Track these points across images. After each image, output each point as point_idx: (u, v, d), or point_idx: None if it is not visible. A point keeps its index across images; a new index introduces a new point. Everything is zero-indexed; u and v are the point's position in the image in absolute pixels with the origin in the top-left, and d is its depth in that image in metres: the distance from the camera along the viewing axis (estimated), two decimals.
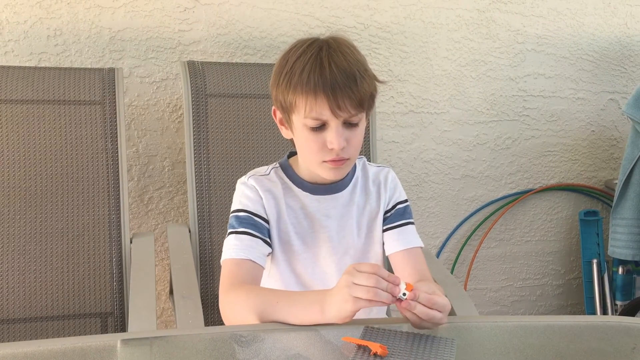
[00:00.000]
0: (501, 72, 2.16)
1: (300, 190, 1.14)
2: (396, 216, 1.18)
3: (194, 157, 1.63)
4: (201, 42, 1.85)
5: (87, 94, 1.59)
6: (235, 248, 1.08)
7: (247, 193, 1.13)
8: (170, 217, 1.91)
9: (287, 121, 1.09)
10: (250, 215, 1.11)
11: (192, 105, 1.65)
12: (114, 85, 1.61)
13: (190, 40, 1.84)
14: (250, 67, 1.79)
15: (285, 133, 1.13)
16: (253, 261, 1.07)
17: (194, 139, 1.64)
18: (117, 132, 1.58)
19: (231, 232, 1.10)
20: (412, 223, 1.19)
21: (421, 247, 1.18)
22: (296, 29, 1.92)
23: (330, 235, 1.15)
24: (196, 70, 1.69)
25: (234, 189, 1.17)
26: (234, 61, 1.88)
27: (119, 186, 1.56)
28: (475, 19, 2.09)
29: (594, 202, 2.35)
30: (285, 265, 1.14)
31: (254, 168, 1.20)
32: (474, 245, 2.25)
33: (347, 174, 1.16)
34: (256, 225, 1.10)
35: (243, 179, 1.15)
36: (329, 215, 1.15)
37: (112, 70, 1.65)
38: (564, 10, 2.17)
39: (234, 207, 1.13)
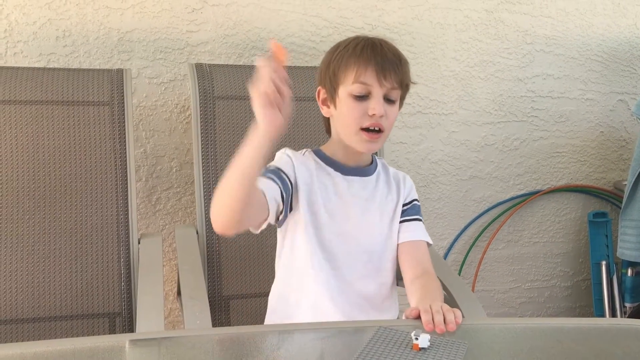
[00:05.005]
0: (510, 73, 2.15)
1: (332, 169, 1.22)
2: (411, 211, 1.27)
3: (202, 158, 1.63)
4: (209, 43, 1.85)
5: (95, 94, 1.59)
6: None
7: (278, 157, 1.22)
8: (178, 218, 1.91)
9: (332, 97, 1.19)
10: (279, 170, 1.17)
11: (200, 107, 1.65)
12: (122, 86, 1.62)
13: (198, 41, 1.85)
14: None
15: (326, 112, 1.22)
16: (264, 194, 1.10)
17: (201, 140, 1.64)
18: (125, 132, 1.58)
19: None
20: (422, 220, 1.28)
21: (428, 243, 1.26)
22: (304, 29, 1.92)
23: (356, 213, 1.21)
24: (204, 73, 1.70)
25: None
26: (241, 62, 1.88)
27: (127, 187, 1.56)
28: (484, 19, 2.08)
29: (603, 204, 2.34)
30: (313, 236, 1.18)
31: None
32: (482, 247, 2.24)
33: (371, 166, 1.25)
34: (282, 180, 1.15)
35: (279, 151, 1.23)
36: (357, 196, 1.22)
37: (120, 71, 1.66)
38: (572, 10, 2.16)
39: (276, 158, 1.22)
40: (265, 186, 1.11)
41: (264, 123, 0.95)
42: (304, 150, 1.25)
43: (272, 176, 1.14)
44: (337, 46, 1.20)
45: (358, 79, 1.14)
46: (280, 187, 1.14)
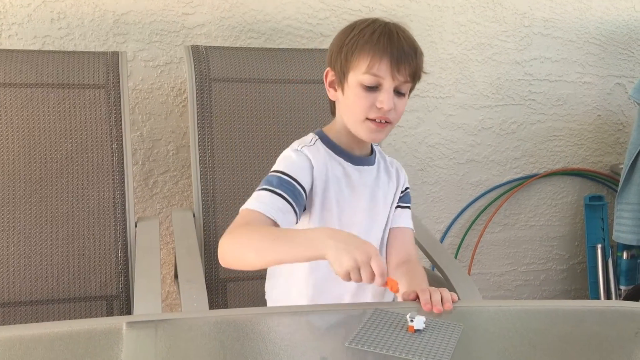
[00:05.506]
0: (507, 56, 2.14)
1: (342, 159, 1.19)
2: (405, 198, 1.28)
3: (198, 142, 1.63)
4: (205, 26, 1.84)
5: (91, 77, 1.58)
6: (265, 204, 1.06)
7: (296, 159, 1.14)
8: (174, 201, 1.92)
9: (340, 81, 1.15)
10: (293, 181, 1.10)
11: (196, 90, 1.64)
12: (118, 68, 1.61)
13: (194, 23, 1.83)
14: (254, 52, 1.78)
15: (332, 95, 1.19)
16: (276, 223, 1.06)
17: (198, 123, 1.63)
18: (121, 116, 1.57)
19: (267, 189, 1.08)
20: (410, 208, 1.29)
21: (412, 231, 1.28)
22: (301, 12, 1.91)
23: (365, 205, 1.20)
24: (200, 55, 1.69)
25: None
26: (237, 45, 1.87)
27: (123, 170, 1.56)
28: (482, 1, 2.07)
29: (599, 187, 2.35)
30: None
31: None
32: (478, 230, 2.25)
33: (373, 154, 1.24)
34: (294, 193, 1.09)
35: (294, 146, 1.17)
36: (366, 185, 1.20)
37: (116, 54, 1.65)
38: None
39: (278, 167, 1.13)
40: (279, 216, 1.05)
41: (335, 260, 0.91)
42: (312, 138, 1.19)
43: (287, 196, 1.08)
44: (352, 28, 1.14)
45: (370, 70, 1.09)
46: (294, 207, 1.08)
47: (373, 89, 1.10)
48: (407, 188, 1.29)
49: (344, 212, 1.17)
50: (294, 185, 1.10)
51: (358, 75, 1.11)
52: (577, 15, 2.17)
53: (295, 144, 1.18)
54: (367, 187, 1.20)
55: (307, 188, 1.13)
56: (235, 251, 1.02)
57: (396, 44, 1.09)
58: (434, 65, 2.07)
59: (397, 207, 1.26)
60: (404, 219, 1.25)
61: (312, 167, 1.14)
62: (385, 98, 1.09)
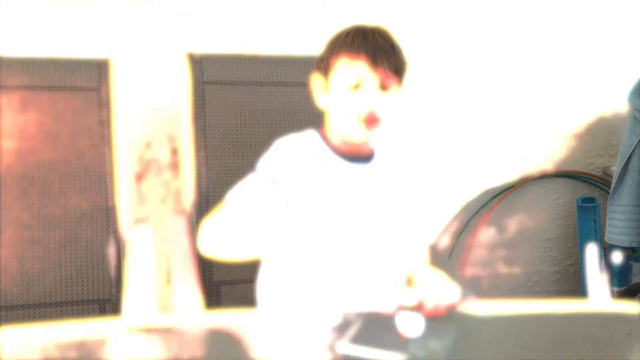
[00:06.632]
0: (500, 58, 2.14)
1: (336, 156, 1.19)
2: (410, 204, 1.25)
3: (192, 145, 1.62)
4: (199, 31, 1.84)
5: (83, 80, 1.58)
6: (245, 191, 1.11)
7: (277, 153, 1.18)
8: (168, 205, 1.91)
9: (327, 88, 1.18)
10: (268, 178, 1.13)
11: (190, 94, 1.64)
12: (111, 71, 1.60)
13: (188, 28, 1.83)
14: (248, 57, 1.78)
15: (322, 102, 1.21)
16: (253, 209, 1.09)
17: (191, 127, 1.63)
18: (113, 119, 1.57)
19: (248, 178, 1.14)
20: (420, 214, 1.28)
21: (423, 238, 1.27)
22: (294, 16, 1.91)
23: (359, 204, 1.18)
24: (194, 58, 1.68)
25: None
26: (231, 50, 1.87)
27: (116, 173, 1.55)
28: (471, 9, 2.08)
29: (592, 189, 2.36)
30: (314, 231, 1.16)
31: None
32: (472, 232, 2.25)
33: (373, 153, 1.23)
34: (270, 188, 1.12)
35: (282, 139, 1.20)
36: (360, 185, 1.19)
37: (108, 57, 1.64)
38: None
39: (262, 161, 1.18)
40: (255, 199, 1.09)
41: None
42: (305, 132, 1.22)
43: (264, 186, 1.12)
44: (332, 37, 1.18)
45: (349, 69, 1.12)
46: (271, 197, 1.11)
47: (356, 88, 1.13)
48: (413, 194, 1.27)
49: (327, 209, 1.16)
50: (270, 182, 1.13)
51: (340, 77, 1.14)
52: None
53: (286, 137, 1.20)
54: (362, 187, 1.19)
55: (286, 182, 1.14)
56: (215, 236, 1.05)
57: (370, 41, 1.12)
58: (425, 68, 2.08)
59: (403, 214, 1.24)
60: (410, 226, 1.24)
61: (293, 160, 1.16)
62: (368, 94, 1.12)
